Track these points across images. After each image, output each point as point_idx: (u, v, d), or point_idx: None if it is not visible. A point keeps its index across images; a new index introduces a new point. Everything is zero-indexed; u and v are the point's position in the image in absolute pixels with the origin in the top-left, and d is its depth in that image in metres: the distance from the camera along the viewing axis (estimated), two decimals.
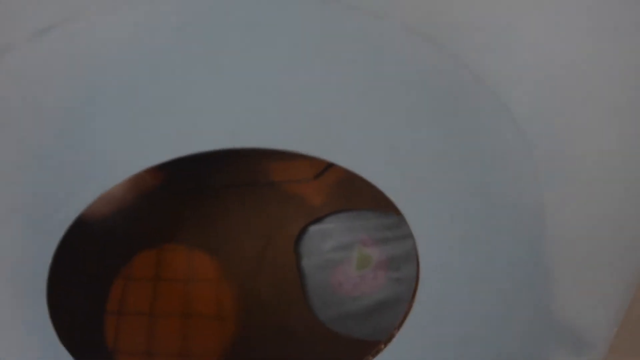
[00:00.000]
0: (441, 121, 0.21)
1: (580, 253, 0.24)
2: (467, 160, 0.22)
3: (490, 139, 0.22)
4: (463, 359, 0.27)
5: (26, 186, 0.21)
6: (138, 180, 0.55)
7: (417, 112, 0.21)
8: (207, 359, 0.40)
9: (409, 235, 0.51)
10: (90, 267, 0.45)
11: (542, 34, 0.20)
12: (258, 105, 0.21)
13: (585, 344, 0.26)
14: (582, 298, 0.24)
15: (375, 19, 0.19)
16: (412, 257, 0.49)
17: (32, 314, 0.23)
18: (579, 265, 0.24)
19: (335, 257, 0.49)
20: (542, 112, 0.21)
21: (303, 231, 0.51)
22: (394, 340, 0.26)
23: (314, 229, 0.51)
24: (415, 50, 0.20)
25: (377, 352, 0.26)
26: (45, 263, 0.22)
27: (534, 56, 0.20)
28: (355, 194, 0.55)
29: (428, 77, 0.20)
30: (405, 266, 0.48)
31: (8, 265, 0.22)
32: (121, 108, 0.20)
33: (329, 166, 0.59)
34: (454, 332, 0.26)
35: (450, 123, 0.21)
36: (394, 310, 0.44)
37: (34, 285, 0.22)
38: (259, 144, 0.22)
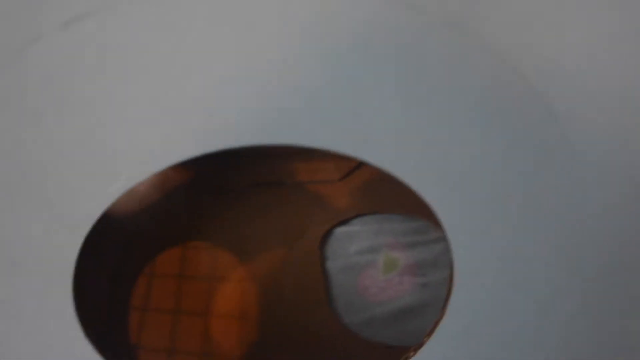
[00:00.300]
0: (481, 121, 0.20)
1: (626, 264, 0.22)
2: (508, 163, 0.21)
3: (533, 143, 0.21)
4: None
5: (52, 180, 0.20)
6: (163, 178, 0.55)
7: (457, 110, 0.20)
8: (227, 357, 0.39)
9: (437, 240, 0.50)
10: (116, 263, 0.45)
11: (594, 34, 0.19)
12: (290, 102, 0.20)
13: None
14: (628, 312, 0.23)
15: (414, 13, 0.18)
16: (439, 263, 0.48)
17: (59, 309, 0.23)
18: (624, 278, 0.22)
19: (361, 260, 0.48)
20: (590, 118, 0.20)
21: (328, 233, 0.50)
22: (424, 347, 0.25)
23: (339, 231, 0.50)
24: (455, 46, 0.19)
25: (406, 359, 0.25)
26: (72, 258, 0.22)
27: (584, 58, 0.19)
28: (382, 197, 0.54)
29: (469, 75, 0.19)
30: (432, 272, 0.47)
31: (35, 261, 0.21)
32: (150, 101, 0.20)
33: (356, 168, 0.58)
34: (486, 341, 0.25)
35: (491, 123, 0.20)
36: (419, 316, 0.43)
37: (61, 280, 0.22)
38: (291, 140, 0.22)
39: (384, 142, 0.21)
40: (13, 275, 0.21)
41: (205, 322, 0.41)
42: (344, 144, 0.21)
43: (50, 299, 0.22)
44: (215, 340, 0.40)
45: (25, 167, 0.20)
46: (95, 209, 0.21)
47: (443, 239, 0.51)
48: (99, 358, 0.23)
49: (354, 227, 0.51)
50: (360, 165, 0.56)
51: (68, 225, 0.21)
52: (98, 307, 0.41)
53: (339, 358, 0.39)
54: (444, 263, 0.47)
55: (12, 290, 0.21)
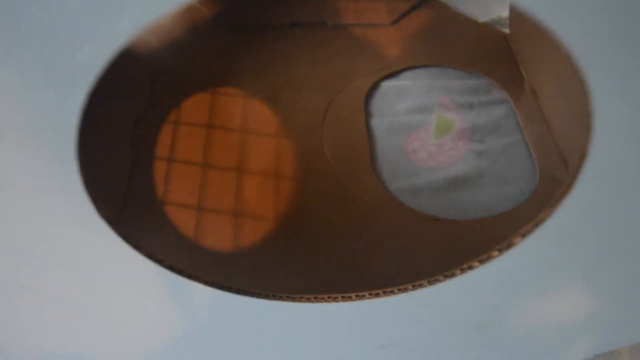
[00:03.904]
0: None
1: None
2: None
3: None
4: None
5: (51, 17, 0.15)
6: (190, 11, 0.48)
7: None
8: (262, 220, 0.36)
9: (499, 102, 0.44)
10: (138, 109, 0.40)
11: None
12: None
13: None
14: None
15: None
16: (500, 129, 0.43)
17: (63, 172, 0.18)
18: None
19: (411, 120, 0.42)
20: None
21: (375, 86, 0.44)
22: (513, 249, 0.21)
23: (387, 85, 0.44)
24: None
25: (489, 259, 0.21)
26: (74, 116, 0.17)
27: None
28: (439, 48, 0.47)
29: None
30: (490, 138, 0.42)
31: (35, 122, 0.17)
32: None
33: (411, 10, 0.50)
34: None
35: None
36: (473, 187, 0.38)
37: (63, 141, 0.18)
38: None
39: None
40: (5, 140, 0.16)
41: (238, 178, 0.38)
42: None
43: (54, 165, 0.17)
44: (249, 199, 0.37)
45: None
46: (102, 50, 0.16)
47: (506, 100, 0.45)
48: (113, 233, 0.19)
49: (404, 81, 0.45)
50: (415, 7, 0.48)
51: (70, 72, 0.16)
52: (121, 156, 0.37)
53: (381, 226, 0.36)
54: (507, 129, 0.42)
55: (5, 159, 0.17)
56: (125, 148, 0.38)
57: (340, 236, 0.35)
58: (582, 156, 0.17)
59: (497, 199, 0.38)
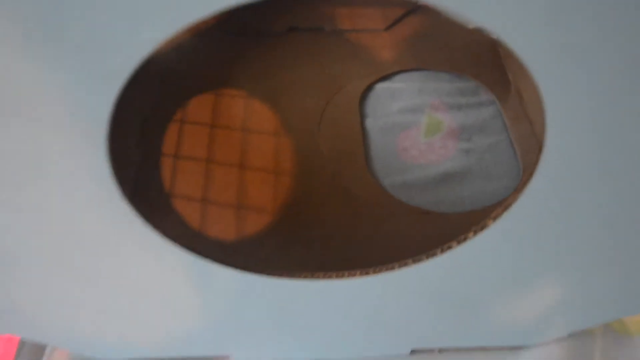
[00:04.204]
0: None
1: None
2: None
3: None
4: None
5: (86, 26, 0.17)
6: None
7: None
8: (262, 212, 0.39)
9: (486, 103, 0.47)
10: (147, 106, 0.43)
11: None
12: None
13: None
14: None
15: None
16: (487, 128, 0.45)
17: (92, 162, 0.21)
18: None
19: (403, 120, 0.45)
20: None
21: (369, 88, 0.47)
22: (486, 230, 0.23)
23: (381, 87, 0.47)
24: None
25: (465, 240, 0.24)
26: (106, 111, 0.19)
27: None
28: (430, 52, 0.50)
29: None
30: (477, 137, 0.44)
31: (66, 115, 0.19)
32: None
33: (404, 16, 0.53)
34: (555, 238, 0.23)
35: None
36: (460, 183, 0.41)
37: (94, 134, 0.20)
38: None
39: None
40: (44, 132, 0.19)
41: (240, 174, 0.40)
42: None
43: (84, 155, 0.20)
44: (249, 193, 0.39)
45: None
46: (133, 57, 0.18)
47: (493, 102, 0.48)
48: (133, 214, 0.22)
49: (397, 83, 0.48)
50: (408, 13, 0.51)
51: (103, 75, 0.18)
52: (130, 153, 0.40)
53: (374, 219, 0.38)
54: (493, 128, 0.45)
55: (43, 149, 0.19)
56: (133, 145, 0.40)
57: (336, 227, 0.38)
58: (540, 148, 0.20)
59: (483, 193, 0.41)
